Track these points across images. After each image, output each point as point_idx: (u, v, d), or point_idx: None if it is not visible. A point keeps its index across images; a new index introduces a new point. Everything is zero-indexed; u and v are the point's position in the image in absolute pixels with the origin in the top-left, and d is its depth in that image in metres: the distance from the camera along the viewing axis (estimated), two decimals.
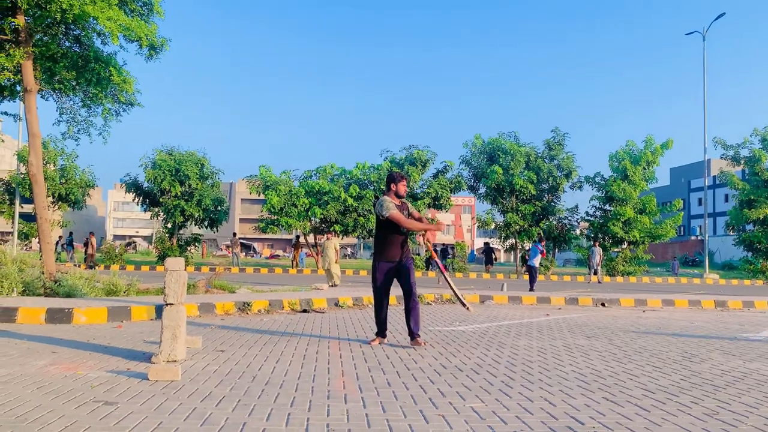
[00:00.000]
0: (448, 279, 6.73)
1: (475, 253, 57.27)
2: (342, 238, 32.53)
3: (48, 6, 9.60)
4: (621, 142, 35.50)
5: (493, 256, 32.86)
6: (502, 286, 15.64)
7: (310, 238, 30.87)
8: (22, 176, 26.02)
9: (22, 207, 27.20)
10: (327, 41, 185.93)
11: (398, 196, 6.06)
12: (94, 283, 9.86)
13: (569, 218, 31.06)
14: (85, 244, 29.08)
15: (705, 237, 33.53)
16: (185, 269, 4.98)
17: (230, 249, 36.38)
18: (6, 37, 10.37)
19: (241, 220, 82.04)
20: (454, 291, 6.63)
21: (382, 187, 29.20)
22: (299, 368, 4.75)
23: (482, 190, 30.62)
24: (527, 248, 29.34)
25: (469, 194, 32.31)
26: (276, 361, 5.05)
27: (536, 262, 16.60)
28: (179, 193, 28.01)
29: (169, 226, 29.17)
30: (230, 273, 23.64)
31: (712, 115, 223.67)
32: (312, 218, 29.52)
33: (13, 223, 26.61)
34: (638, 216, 28.75)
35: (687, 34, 34.04)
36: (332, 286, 14.32)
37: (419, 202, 29.10)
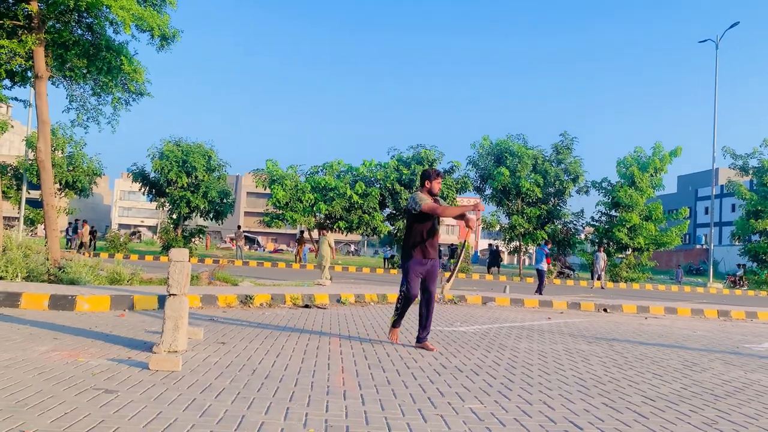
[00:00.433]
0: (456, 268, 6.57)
1: (479, 254, 57.19)
2: (346, 235, 32.58)
3: None
4: (629, 148, 35.13)
5: (500, 259, 32.87)
6: (504, 288, 15.63)
7: (315, 234, 30.91)
8: (30, 162, 26.15)
9: (29, 193, 27.34)
10: (340, 30, 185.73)
11: (432, 194, 5.82)
12: (98, 271, 9.90)
13: (574, 223, 30.99)
14: (74, 231, 29.15)
15: (710, 246, 33.37)
16: (189, 260, 4.99)
17: (234, 242, 36.48)
18: (19, 23, 10.41)
19: (246, 214, 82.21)
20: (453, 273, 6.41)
21: (388, 185, 29.21)
22: (299, 363, 4.76)
23: (488, 192, 30.59)
24: (531, 251, 29.29)
25: (475, 195, 32.29)
26: (276, 355, 5.06)
27: (543, 266, 16.58)
28: (185, 185, 28.09)
29: (175, 216, 29.27)
30: (233, 266, 23.70)
31: (722, 124, 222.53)
32: (317, 214, 29.57)
33: (19, 208, 26.75)
34: (644, 223, 28.65)
35: (700, 42, 33.80)
36: (318, 284, 14.32)
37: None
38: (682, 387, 4.68)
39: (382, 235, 31.04)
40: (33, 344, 4.90)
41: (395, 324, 6.07)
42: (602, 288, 24.00)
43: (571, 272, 30.37)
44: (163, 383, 3.81)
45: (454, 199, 30.03)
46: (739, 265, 41.44)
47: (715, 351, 7.02)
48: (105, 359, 4.45)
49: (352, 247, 73.59)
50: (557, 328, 8.51)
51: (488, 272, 30.11)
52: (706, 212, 61.62)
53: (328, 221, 29.68)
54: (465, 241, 6.67)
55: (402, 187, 29.29)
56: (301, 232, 33.26)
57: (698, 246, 60.05)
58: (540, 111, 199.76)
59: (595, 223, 30.92)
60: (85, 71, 11.50)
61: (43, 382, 3.65)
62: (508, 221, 29.87)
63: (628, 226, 28.59)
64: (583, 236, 32.34)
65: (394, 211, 30.48)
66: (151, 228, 74.55)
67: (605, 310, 12.31)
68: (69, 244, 28.54)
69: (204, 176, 28.37)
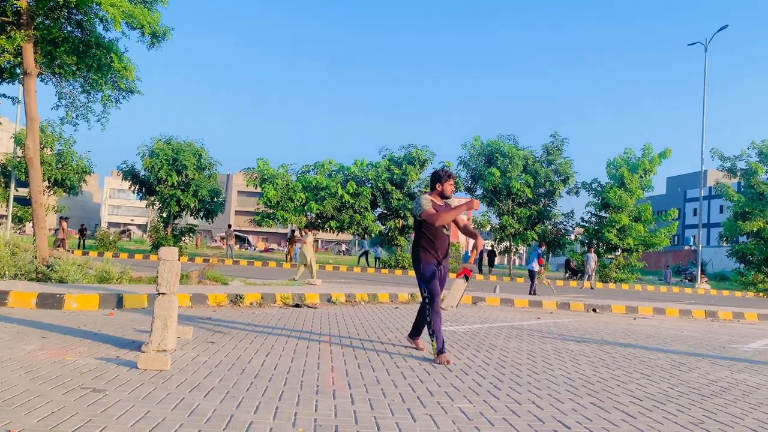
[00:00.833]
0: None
1: (469, 254, 57.33)
2: (337, 234, 32.56)
3: None
4: (619, 150, 35.41)
5: (493, 259, 32.99)
6: (494, 288, 15.68)
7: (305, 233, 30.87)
8: (18, 159, 25.91)
9: (17, 191, 27.09)
10: (339, 23, 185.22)
11: (444, 196, 5.49)
12: (87, 269, 9.83)
13: (564, 223, 31.16)
14: (56, 230, 28.95)
15: (699, 247, 33.64)
16: (179, 259, 4.97)
17: (225, 241, 36.32)
18: (7, 19, 10.31)
19: (237, 213, 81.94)
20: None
21: (379, 185, 29.23)
22: (289, 362, 4.75)
23: (479, 192, 30.68)
24: (522, 251, 29.45)
25: (466, 195, 32.36)
26: (266, 354, 5.05)
27: (535, 266, 16.68)
28: (176, 183, 27.95)
29: (165, 215, 29.12)
30: (224, 265, 23.61)
31: (711, 126, 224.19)
32: (308, 213, 29.51)
33: (7, 206, 26.51)
34: (633, 224, 28.85)
35: (689, 44, 34.04)
36: (293, 279, 14.32)
37: None
38: (670, 387, 4.72)
39: (373, 235, 31.05)
40: (20, 343, 4.86)
41: (441, 350, 5.20)
42: (592, 288, 24.14)
43: (582, 275, 30.61)
44: (152, 382, 3.79)
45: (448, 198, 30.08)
46: (691, 262, 42.09)
47: (703, 351, 7.09)
48: (93, 358, 4.43)
49: (344, 247, 73.55)
50: (546, 328, 8.55)
51: (480, 272, 30.20)
52: (695, 214, 62.11)
53: (319, 221, 29.65)
54: (456, 241, 6.64)
55: (393, 187, 29.32)
56: (292, 231, 33.20)
57: (687, 247, 60.51)
58: (531, 112, 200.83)
59: (584, 223, 31.11)
60: (74, 68, 11.41)
61: (30, 381, 3.62)
62: (499, 221, 29.98)
63: (617, 227, 28.79)
64: (573, 237, 32.53)
65: (386, 211, 30.50)
66: (141, 226, 74.07)
67: (594, 310, 12.38)
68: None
69: (194, 174, 28.24)
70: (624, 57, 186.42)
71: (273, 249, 59.80)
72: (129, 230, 63.71)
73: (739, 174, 30.44)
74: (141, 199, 30.68)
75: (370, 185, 29.89)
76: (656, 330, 9.33)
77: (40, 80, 11.64)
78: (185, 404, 3.33)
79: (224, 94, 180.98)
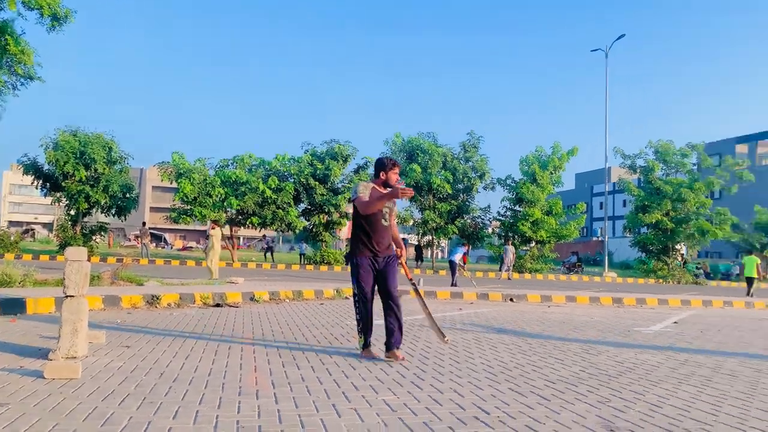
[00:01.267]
0: (426, 305, 5.73)
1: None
2: (260, 230, 31.93)
3: None
4: (531, 148, 37.01)
5: (422, 254, 33.61)
6: (418, 281, 15.96)
7: (226, 230, 30.05)
8: None
9: None
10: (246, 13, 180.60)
11: (388, 186, 5.11)
12: None
13: (482, 217, 32.22)
14: None
15: (605, 238, 35.83)
16: (89, 259, 4.71)
17: (139, 239, 34.74)
18: None
19: (152, 209, 78.49)
20: (431, 319, 5.71)
21: (302, 180, 28.94)
22: (210, 364, 4.63)
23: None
24: (443, 245, 30.17)
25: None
26: (185, 357, 4.90)
27: (456, 258, 17.20)
28: (84, 178, 26.33)
29: (72, 213, 27.39)
30: (139, 265, 22.58)
31: (613, 126, 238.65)
32: (228, 209, 28.72)
33: None
34: (545, 217, 30.26)
35: (592, 50, 36.45)
36: (230, 281, 13.95)
37: (339, 196, 29.18)
38: (581, 369, 5.01)
39: (297, 231, 30.69)
40: None
41: (366, 345, 5.12)
42: (509, 279, 25.09)
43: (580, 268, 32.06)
44: (61, 392, 3.58)
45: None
46: (573, 253, 45.15)
47: (610, 335, 7.55)
48: None
49: (266, 244, 72.23)
50: (468, 318, 8.81)
51: (416, 267, 30.76)
52: (601, 207, 65.87)
53: (240, 217, 28.95)
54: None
55: (317, 182, 29.12)
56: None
57: (594, 238, 64.16)
58: (448, 112, 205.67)
59: (501, 217, 32.31)
60: None
61: None
62: (421, 216, 30.52)
63: (531, 220, 30.10)
64: (490, 230, 33.68)
65: (309, 207, 30.25)
66: (46, 225, 69.42)
67: (512, 299, 12.88)
68: None
69: (104, 169, 26.69)
70: (535, 62, 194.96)
71: (191, 247, 57.86)
72: (33, 229, 59.60)
73: (638, 171, 32.58)
74: (45, 195, 28.67)
75: (292, 180, 29.52)
76: (569, 317, 9.84)
77: None
78: (98, 413, 3.17)
79: (131, 83, 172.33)
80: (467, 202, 31.49)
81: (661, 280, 29.91)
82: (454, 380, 4.35)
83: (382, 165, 5.17)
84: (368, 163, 30.80)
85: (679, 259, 32.35)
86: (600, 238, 58.91)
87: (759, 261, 20.18)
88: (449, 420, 3.29)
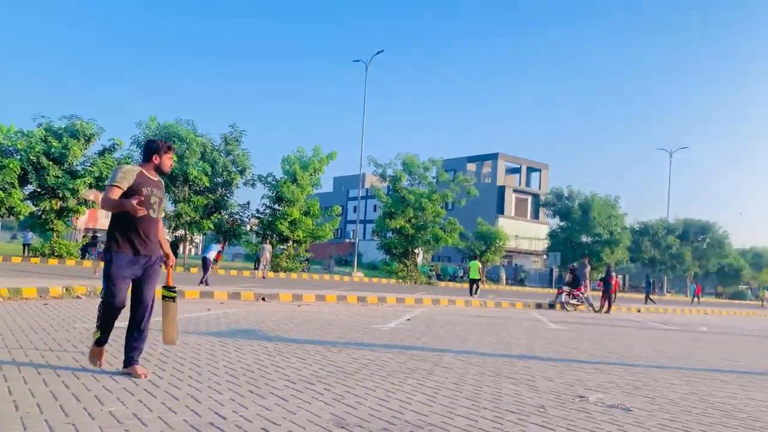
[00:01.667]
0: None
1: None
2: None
3: None
4: (292, 148, 37.73)
5: (177, 250, 31.50)
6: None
7: None
8: None
9: None
10: None
11: (161, 172, 4.56)
12: None
13: (241, 214, 31.79)
14: None
15: (356, 240, 38.31)
16: None
17: None
18: None
19: None
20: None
21: (32, 158, 25.01)
22: None
23: None
24: (197, 241, 28.88)
25: None
26: None
27: (210, 255, 16.60)
28: None
29: None
30: None
31: (370, 135, 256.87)
32: None
33: None
34: (303, 217, 31.13)
35: (354, 61, 38.98)
36: None
37: (79, 180, 25.91)
38: (320, 368, 5.25)
39: (21, 217, 26.41)
40: None
41: (100, 341, 4.40)
42: (264, 278, 25.15)
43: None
44: None
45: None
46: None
47: (352, 332, 8.07)
48: None
49: None
50: (215, 320, 8.58)
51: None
52: (355, 211, 70.24)
53: None
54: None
55: (51, 162, 25.44)
56: None
57: (347, 240, 68.11)
58: (209, 102, 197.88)
59: (260, 215, 32.27)
60: None
61: None
62: (174, 209, 28.81)
63: (289, 220, 30.67)
64: (248, 227, 33.39)
65: (39, 190, 26.25)
66: None
67: (264, 299, 12.93)
68: None
69: None
70: (299, 64, 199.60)
71: None
72: None
73: (388, 179, 35.60)
74: None
75: (19, 157, 25.31)
76: (316, 315, 10.25)
77: None
78: None
79: None
80: (226, 197, 30.73)
81: (401, 281, 33.01)
82: (193, 385, 4.19)
83: (155, 148, 4.51)
84: (116, 146, 28.02)
85: (418, 261, 36.18)
86: (352, 240, 62.76)
87: (480, 265, 23.71)
88: (182, 428, 3.15)
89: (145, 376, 4.34)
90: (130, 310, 4.42)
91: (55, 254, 25.94)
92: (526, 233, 58.79)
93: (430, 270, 39.21)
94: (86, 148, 26.84)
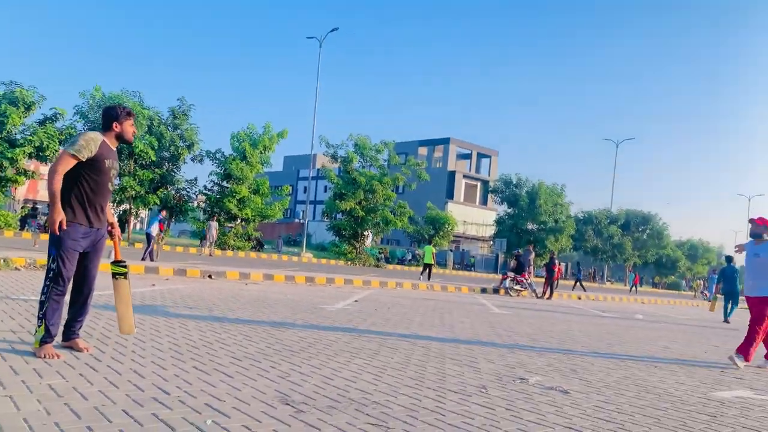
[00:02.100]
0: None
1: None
2: None
3: None
4: (243, 125, 37.13)
5: (124, 225, 30.54)
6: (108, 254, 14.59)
7: None
8: None
9: None
10: None
11: (121, 139, 4.31)
12: None
13: (188, 190, 31.12)
14: None
15: (306, 221, 38.11)
16: None
17: None
18: None
19: None
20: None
21: None
22: None
23: None
24: (142, 216, 28.08)
25: None
26: None
27: (153, 230, 16.21)
28: None
29: None
30: None
31: (322, 114, 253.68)
32: None
33: None
34: (252, 196, 30.73)
35: (308, 38, 38.72)
36: None
37: (18, 150, 24.65)
38: (267, 345, 5.26)
39: None
40: None
41: (46, 338, 4.00)
42: (210, 255, 24.75)
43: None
44: None
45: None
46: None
47: (299, 312, 8.09)
48: None
49: None
50: (160, 296, 8.43)
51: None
52: (305, 191, 69.70)
53: None
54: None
55: None
56: None
57: (296, 220, 67.59)
58: (158, 72, 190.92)
59: (207, 192, 31.64)
60: None
61: None
62: (119, 182, 27.87)
63: (238, 198, 30.20)
64: (195, 204, 32.69)
65: None
66: None
67: (210, 276, 12.76)
68: None
69: None
70: (253, 40, 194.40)
71: None
72: None
73: (339, 160, 35.48)
74: None
75: None
76: (264, 294, 10.20)
77: None
78: None
79: None
80: (173, 172, 29.98)
81: (350, 262, 33.11)
82: (136, 360, 4.14)
83: (114, 115, 4.23)
84: (58, 115, 26.76)
85: (366, 244, 36.34)
86: (301, 221, 62.40)
87: (434, 250, 24.15)
88: (124, 403, 3.13)
89: (87, 350, 4.24)
90: (74, 286, 4.26)
91: None
92: (474, 219, 59.90)
93: (379, 253, 39.48)
94: (26, 116, 25.53)
